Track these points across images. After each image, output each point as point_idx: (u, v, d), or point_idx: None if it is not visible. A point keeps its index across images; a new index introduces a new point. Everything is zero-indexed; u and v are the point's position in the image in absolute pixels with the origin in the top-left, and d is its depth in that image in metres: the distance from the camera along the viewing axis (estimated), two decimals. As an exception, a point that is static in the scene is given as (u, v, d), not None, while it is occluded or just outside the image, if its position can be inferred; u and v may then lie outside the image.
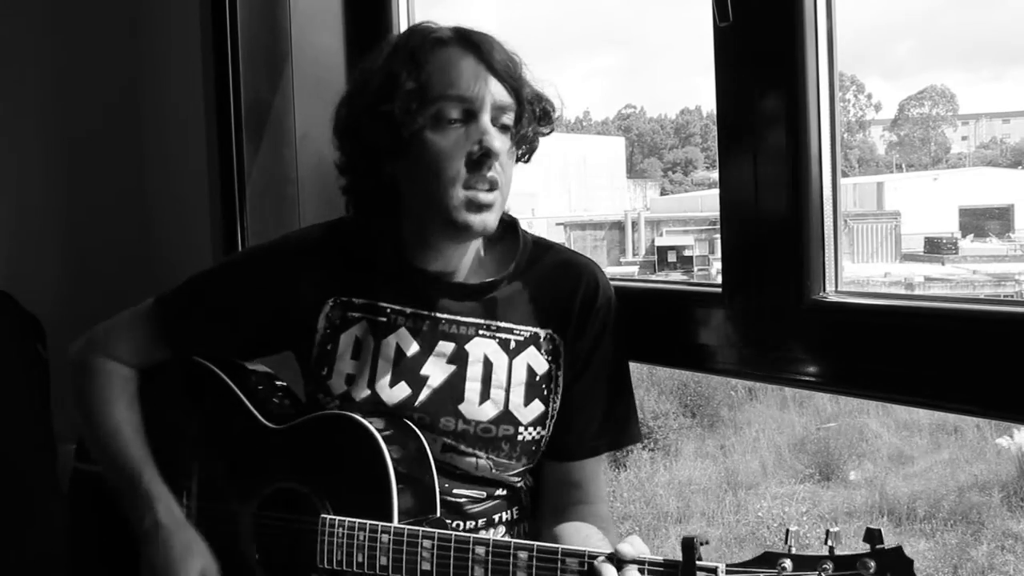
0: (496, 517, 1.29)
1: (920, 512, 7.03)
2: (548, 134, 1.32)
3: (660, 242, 12.83)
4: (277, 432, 1.29)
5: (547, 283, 1.32)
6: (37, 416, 1.98)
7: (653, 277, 10.26)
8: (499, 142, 1.21)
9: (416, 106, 1.20)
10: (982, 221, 11.48)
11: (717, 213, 1.42)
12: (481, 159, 1.20)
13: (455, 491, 1.26)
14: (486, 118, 1.22)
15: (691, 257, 12.07)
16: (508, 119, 1.24)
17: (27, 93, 2.21)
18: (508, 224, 1.35)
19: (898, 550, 0.93)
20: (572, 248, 1.43)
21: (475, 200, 1.22)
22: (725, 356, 1.41)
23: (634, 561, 1.03)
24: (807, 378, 1.34)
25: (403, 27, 1.96)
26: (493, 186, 1.22)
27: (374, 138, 1.24)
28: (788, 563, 0.96)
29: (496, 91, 1.22)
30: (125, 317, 1.41)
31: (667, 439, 8.29)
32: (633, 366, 1.39)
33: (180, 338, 1.37)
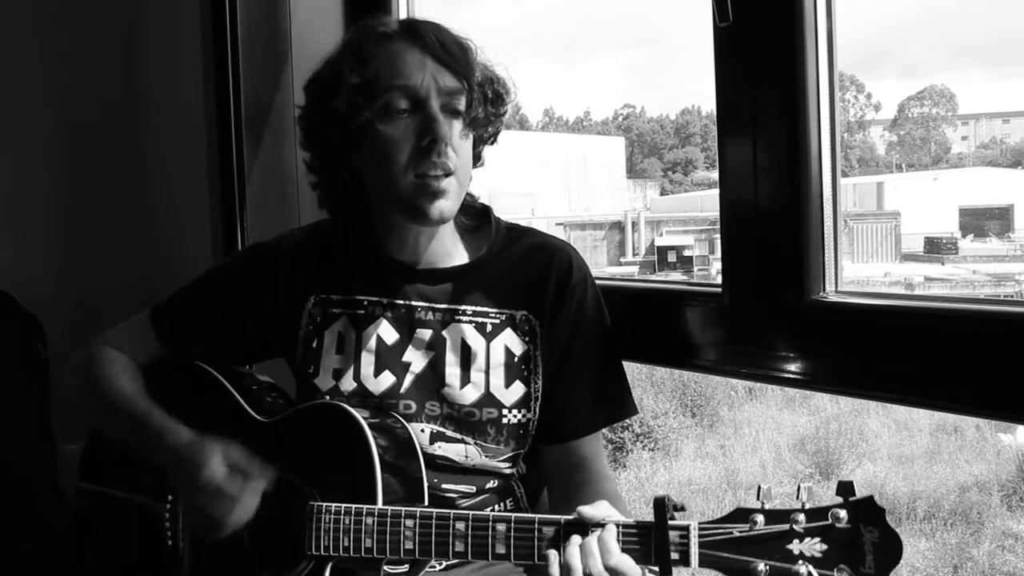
0: (488, 510, 1.29)
1: (920, 512, 7.04)
2: (503, 115, 1.33)
3: (660, 242, 12.85)
4: (267, 425, 1.31)
5: (521, 265, 1.34)
6: (37, 416, 1.98)
7: (653, 277, 10.27)
8: (447, 127, 1.24)
9: (362, 100, 1.23)
10: (982, 221, 11.49)
11: (717, 213, 1.42)
12: (430, 145, 1.23)
13: (444, 486, 1.27)
14: (434, 105, 1.24)
15: (691, 257, 12.10)
16: (459, 104, 1.26)
17: (28, 94, 2.21)
18: (481, 211, 1.37)
19: (869, 499, 0.94)
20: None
21: (428, 187, 1.24)
22: (724, 356, 1.41)
23: (601, 524, 1.03)
24: (806, 378, 1.33)
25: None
26: (447, 171, 1.24)
27: (326, 133, 1.28)
28: (760, 517, 0.97)
29: (442, 78, 1.24)
30: (122, 327, 1.43)
31: (667, 439, 8.29)
32: (633, 366, 1.39)
33: (176, 346, 1.40)
